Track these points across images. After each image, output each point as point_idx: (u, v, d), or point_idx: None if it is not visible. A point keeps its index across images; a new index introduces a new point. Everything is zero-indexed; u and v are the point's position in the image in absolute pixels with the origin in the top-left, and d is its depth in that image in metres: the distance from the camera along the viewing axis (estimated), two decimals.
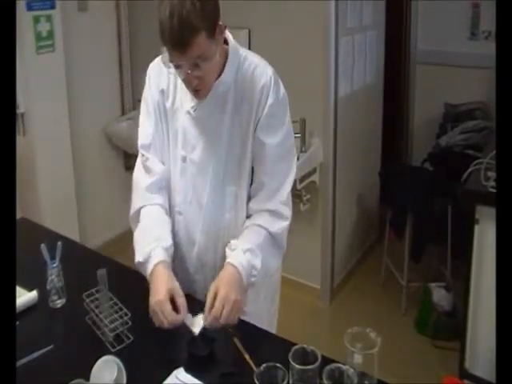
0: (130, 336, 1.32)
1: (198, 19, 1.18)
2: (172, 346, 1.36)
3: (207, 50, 1.23)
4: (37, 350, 1.28)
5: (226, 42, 1.39)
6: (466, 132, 3.31)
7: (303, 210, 3.07)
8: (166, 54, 1.26)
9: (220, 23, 1.28)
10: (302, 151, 2.91)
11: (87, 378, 1.14)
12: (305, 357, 1.08)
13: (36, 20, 2.81)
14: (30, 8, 2.77)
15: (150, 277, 1.33)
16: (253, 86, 1.36)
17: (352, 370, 1.05)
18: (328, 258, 3.16)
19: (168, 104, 1.47)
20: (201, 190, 1.45)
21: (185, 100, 1.43)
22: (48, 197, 3.02)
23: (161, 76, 1.46)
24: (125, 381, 1.15)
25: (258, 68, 1.38)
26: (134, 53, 3.65)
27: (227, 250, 1.39)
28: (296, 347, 1.09)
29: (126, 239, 1.78)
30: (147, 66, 1.53)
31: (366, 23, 3.21)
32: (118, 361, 1.16)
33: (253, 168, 1.43)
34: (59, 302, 1.47)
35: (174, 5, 1.17)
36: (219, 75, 1.36)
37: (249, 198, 1.46)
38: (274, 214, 1.40)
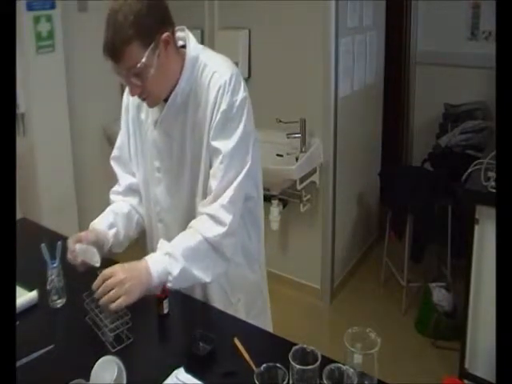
0: (130, 336, 1.32)
1: (130, 31, 1.24)
2: (172, 345, 1.36)
3: (142, 60, 1.26)
4: (37, 350, 1.28)
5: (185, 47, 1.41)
6: (466, 132, 3.31)
7: (303, 210, 3.07)
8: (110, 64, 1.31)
9: (166, 35, 1.29)
10: (302, 151, 2.91)
11: (87, 378, 1.14)
12: (305, 357, 1.08)
13: (36, 20, 2.81)
14: (30, 8, 2.77)
15: None
16: (208, 93, 1.36)
17: (352, 370, 1.05)
18: (328, 258, 3.16)
19: (142, 116, 1.51)
20: (177, 198, 1.49)
21: (153, 112, 1.46)
22: (48, 197, 3.02)
23: None
24: (125, 381, 1.14)
25: (215, 74, 1.37)
26: None
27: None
28: (296, 347, 1.09)
29: None
30: None
31: (366, 23, 3.21)
32: (118, 361, 1.15)
33: None
34: (59, 302, 1.47)
35: (109, 17, 1.27)
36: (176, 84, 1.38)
37: None
38: (212, 218, 1.36)
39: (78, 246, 1.39)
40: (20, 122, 2.91)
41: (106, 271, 1.28)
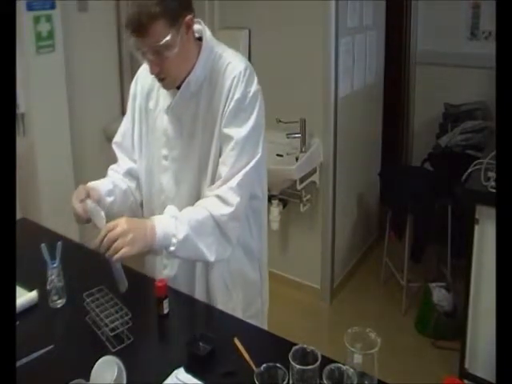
0: (130, 336, 1.32)
1: (156, 7, 1.24)
2: (172, 346, 1.36)
3: (167, 38, 1.27)
4: (37, 350, 1.28)
5: (201, 39, 1.43)
6: (466, 132, 3.31)
7: (303, 210, 3.07)
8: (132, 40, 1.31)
9: (188, 18, 1.32)
10: (302, 151, 2.91)
11: (87, 378, 1.14)
12: (305, 357, 1.08)
13: (36, 20, 2.81)
14: (30, 8, 2.77)
15: None
16: (223, 82, 1.39)
17: (352, 370, 1.05)
18: (328, 258, 3.16)
19: (151, 105, 1.52)
20: (184, 187, 1.49)
21: (164, 99, 1.47)
22: (48, 197, 3.02)
23: (147, 77, 1.49)
24: (125, 381, 1.14)
25: (230, 65, 1.41)
26: None
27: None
28: (296, 347, 1.09)
29: None
30: None
31: (366, 23, 3.21)
32: (118, 361, 1.15)
33: None
34: (59, 302, 1.47)
35: None
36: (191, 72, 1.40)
37: None
38: (220, 198, 1.37)
39: (89, 203, 1.37)
40: (20, 122, 2.90)
41: (110, 223, 1.27)
